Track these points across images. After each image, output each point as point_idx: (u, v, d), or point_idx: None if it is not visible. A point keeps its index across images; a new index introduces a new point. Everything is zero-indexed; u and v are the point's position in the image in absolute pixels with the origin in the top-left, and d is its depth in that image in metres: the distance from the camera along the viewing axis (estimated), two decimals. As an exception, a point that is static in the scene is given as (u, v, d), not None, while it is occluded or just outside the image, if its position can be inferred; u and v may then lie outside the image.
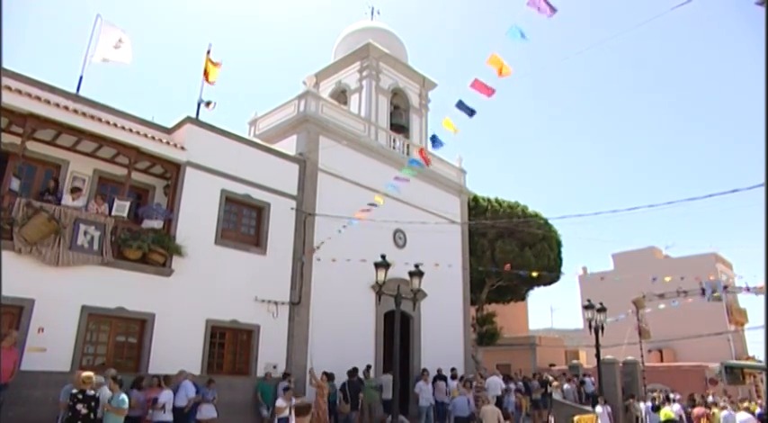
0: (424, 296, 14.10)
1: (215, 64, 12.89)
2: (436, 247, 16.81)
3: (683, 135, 79.05)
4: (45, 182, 10.52)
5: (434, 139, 10.07)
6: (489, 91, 8.14)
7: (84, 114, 10.05)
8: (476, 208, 20.69)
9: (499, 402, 14.04)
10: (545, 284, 23.01)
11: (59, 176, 10.74)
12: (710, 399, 18.55)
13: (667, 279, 16.31)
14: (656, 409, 14.70)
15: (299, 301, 13.05)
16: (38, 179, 10.63)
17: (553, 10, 6.67)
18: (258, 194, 12.92)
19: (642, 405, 15.39)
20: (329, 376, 12.44)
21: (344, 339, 13.84)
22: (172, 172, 11.60)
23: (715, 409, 15.91)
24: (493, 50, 7.77)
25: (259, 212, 13.03)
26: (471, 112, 8.69)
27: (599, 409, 12.45)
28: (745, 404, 15.47)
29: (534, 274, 17.29)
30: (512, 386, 15.78)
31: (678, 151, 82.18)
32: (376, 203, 12.27)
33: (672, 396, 18.80)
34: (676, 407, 15.40)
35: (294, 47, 79.23)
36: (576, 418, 12.68)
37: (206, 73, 12.78)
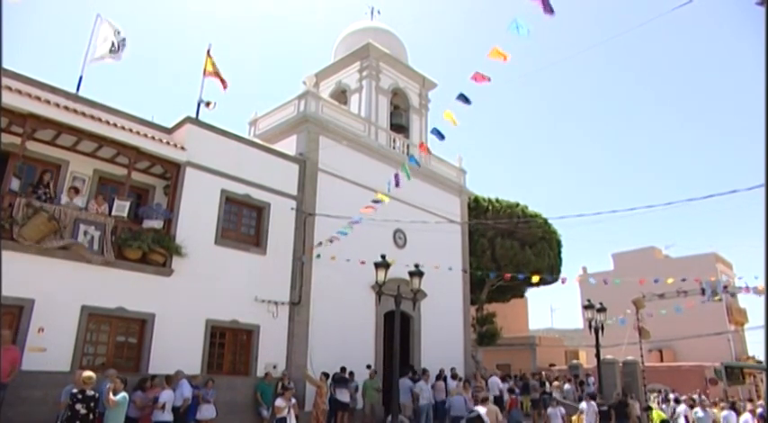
0: (424, 296, 14.11)
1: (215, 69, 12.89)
2: (436, 247, 16.81)
3: (684, 135, 79.05)
4: (38, 179, 10.41)
5: (436, 132, 10.17)
6: (485, 78, 8.35)
7: (84, 114, 10.05)
8: (476, 208, 20.71)
9: (499, 402, 14.05)
10: (545, 284, 23.03)
11: (59, 176, 10.74)
12: (697, 398, 18.55)
13: (669, 281, 16.31)
14: (647, 409, 14.62)
15: (299, 301, 13.05)
16: (38, 179, 10.60)
17: (551, 11, 6.72)
18: (258, 194, 12.92)
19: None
20: (328, 375, 12.47)
21: (344, 339, 13.84)
22: (172, 172, 11.60)
23: (715, 410, 15.90)
24: (493, 49, 7.82)
25: (259, 212, 13.04)
26: (467, 101, 8.84)
27: (550, 410, 12.31)
28: (750, 406, 15.44)
29: (535, 278, 17.24)
30: (504, 386, 15.72)
31: (678, 151, 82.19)
32: (380, 200, 12.29)
33: (674, 396, 18.81)
34: (682, 407, 15.37)
35: (294, 47, 79.24)
36: (573, 418, 12.70)
37: (205, 72, 12.77)
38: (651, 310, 20.08)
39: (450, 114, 9.23)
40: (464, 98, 8.84)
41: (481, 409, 9.12)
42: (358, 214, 12.52)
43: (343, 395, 12.50)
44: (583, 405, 13.12)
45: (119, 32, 11.72)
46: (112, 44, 11.64)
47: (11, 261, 8.71)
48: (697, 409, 13.76)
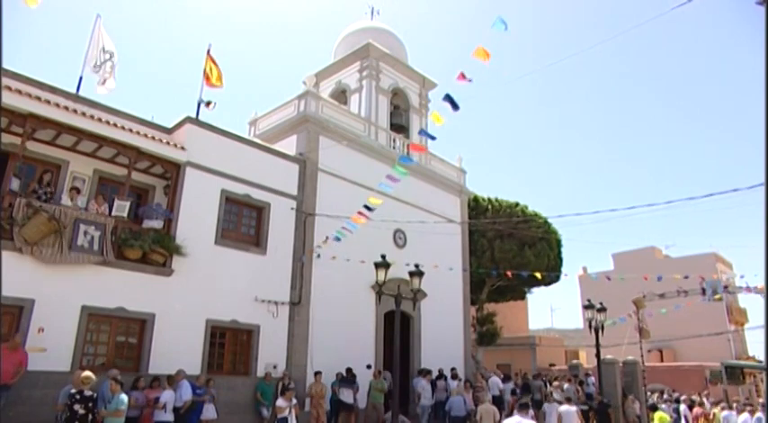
0: (424, 296, 14.11)
1: (216, 66, 12.83)
2: (436, 247, 16.80)
3: (683, 135, 79.08)
4: (38, 179, 10.40)
5: (423, 133, 10.24)
6: (466, 79, 8.54)
7: (84, 114, 10.06)
8: (476, 208, 20.69)
9: (499, 401, 14.03)
10: (545, 284, 23.00)
11: (59, 176, 10.74)
12: (696, 398, 18.53)
13: (677, 276, 16.30)
14: (653, 409, 14.56)
15: (299, 301, 13.04)
16: (38, 179, 10.60)
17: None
18: (258, 194, 12.92)
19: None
20: (319, 373, 12.48)
21: (344, 339, 13.83)
22: (172, 172, 11.60)
23: (715, 410, 15.88)
24: (492, 50, 7.82)
25: (259, 212, 13.03)
26: (455, 107, 8.78)
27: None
28: (749, 407, 15.42)
29: (537, 275, 17.25)
30: (507, 386, 15.68)
31: (678, 151, 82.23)
32: (371, 206, 12.24)
33: (675, 395, 18.78)
34: (682, 407, 15.30)
35: (294, 47, 79.26)
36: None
37: (206, 73, 12.74)
38: (651, 309, 20.07)
39: (437, 115, 9.33)
40: (451, 101, 8.73)
41: (570, 408, 10.67)
42: (351, 223, 12.47)
43: (348, 396, 12.50)
44: (545, 407, 12.45)
45: (111, 54, 11.68)
46: (95, 63, 11.57)
47: (11, 261, 8.71)
48: (745, 414, 13.43)
